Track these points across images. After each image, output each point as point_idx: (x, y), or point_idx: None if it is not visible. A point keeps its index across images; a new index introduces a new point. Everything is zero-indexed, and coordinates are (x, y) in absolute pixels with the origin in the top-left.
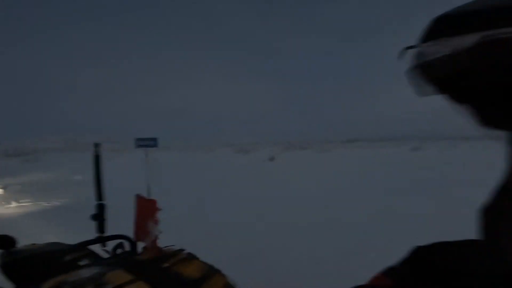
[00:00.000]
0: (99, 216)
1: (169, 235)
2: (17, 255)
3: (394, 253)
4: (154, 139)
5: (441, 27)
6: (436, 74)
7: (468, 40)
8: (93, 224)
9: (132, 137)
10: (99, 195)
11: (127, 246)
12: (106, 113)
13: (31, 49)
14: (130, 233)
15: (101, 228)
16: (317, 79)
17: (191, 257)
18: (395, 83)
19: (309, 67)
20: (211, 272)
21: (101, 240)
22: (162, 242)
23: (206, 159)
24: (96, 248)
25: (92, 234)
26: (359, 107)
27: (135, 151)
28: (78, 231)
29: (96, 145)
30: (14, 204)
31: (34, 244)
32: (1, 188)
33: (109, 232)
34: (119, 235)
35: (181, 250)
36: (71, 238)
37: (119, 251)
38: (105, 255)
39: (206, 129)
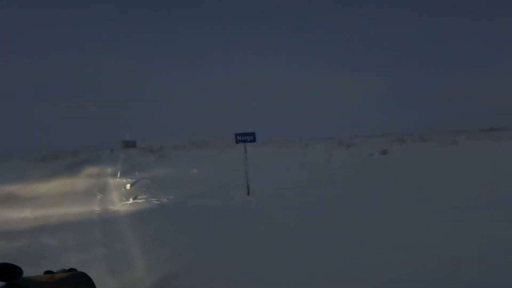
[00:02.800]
0: None
1: None
2: None
3: None
4: (252, 134)
5: None
6: None
7: None
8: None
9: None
10: None
11: None
12: (213, 111)
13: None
14: None
15: None
16: (430, 58)
17: None
18: None
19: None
20: None
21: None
22: None
23: (305, 154)
24: None
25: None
26: (494, 90)
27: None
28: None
29: None
30: (130, 201)
31: (51, 273)
32: (129, 184)
33: None
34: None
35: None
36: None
37: None
38: None
39: (304, 123)
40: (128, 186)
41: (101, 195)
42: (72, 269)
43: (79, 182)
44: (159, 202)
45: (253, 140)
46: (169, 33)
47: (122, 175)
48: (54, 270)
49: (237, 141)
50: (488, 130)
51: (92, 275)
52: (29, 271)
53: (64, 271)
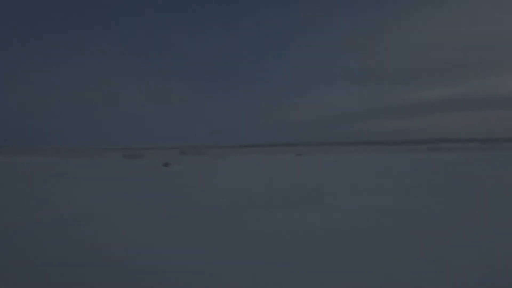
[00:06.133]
0: None
1: None
2: None
3: None
4: None
5: None
6: None
7: None
8: None
9: None
10: None
11: None
12: None
13: None
14: None
15: None
16: (215, 80)
17: None
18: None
19: (208, 67)
20: None
21: None
22: None
23: (90, 165)
24: None
25: None
26: (254, 111)
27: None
28: None
29: None
30: None
31: None
32: None
33: None
34: None
35: None
36: None
37: None
38: None
39: (88, 131)
40: None
41: None
42: None
43: None
44: None
45: None
46: None
47: None
48: None
49: None
50: (250, 146)
51: None
52: None
53: None
